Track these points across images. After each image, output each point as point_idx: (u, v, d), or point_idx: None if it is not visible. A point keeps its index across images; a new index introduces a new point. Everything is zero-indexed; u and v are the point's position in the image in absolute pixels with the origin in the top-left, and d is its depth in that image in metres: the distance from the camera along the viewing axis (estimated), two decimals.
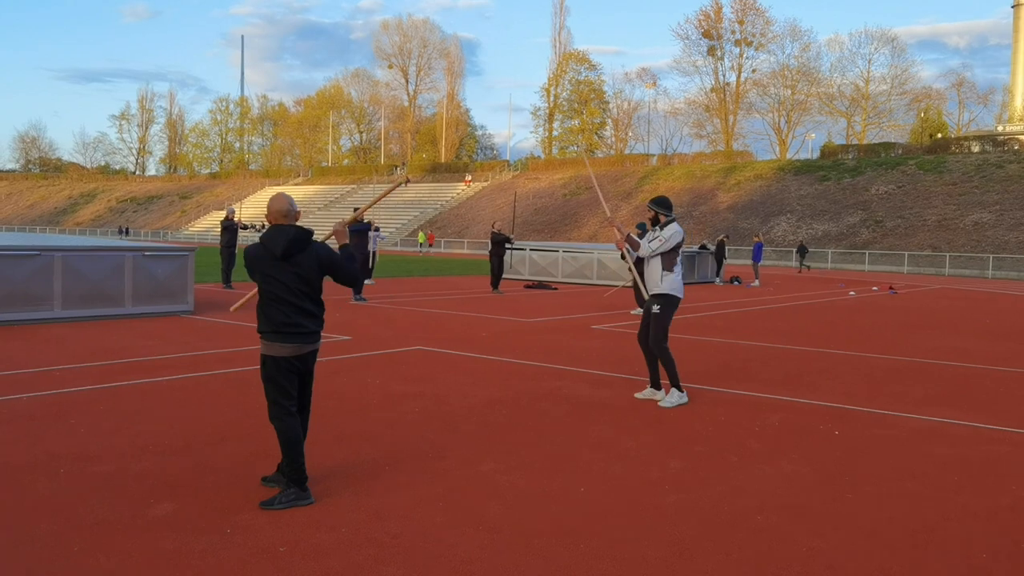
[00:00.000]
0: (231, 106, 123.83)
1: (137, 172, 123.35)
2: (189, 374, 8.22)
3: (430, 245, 60.90)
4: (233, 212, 20.30)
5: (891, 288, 26.88)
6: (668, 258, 7.63)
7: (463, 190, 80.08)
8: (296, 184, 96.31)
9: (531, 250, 26.81)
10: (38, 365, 8.49)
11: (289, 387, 4.52)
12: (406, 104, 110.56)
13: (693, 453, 5.78)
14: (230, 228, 19.28)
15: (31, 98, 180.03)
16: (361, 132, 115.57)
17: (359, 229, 17.78)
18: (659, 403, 7.41)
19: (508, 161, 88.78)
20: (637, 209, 66.11)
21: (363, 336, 11.49)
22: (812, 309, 18.76)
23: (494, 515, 4.36)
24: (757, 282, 27.28)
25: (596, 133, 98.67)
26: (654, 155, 79.74)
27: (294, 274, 4.55)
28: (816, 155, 70.02)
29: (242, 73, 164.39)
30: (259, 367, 4.61)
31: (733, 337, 12.68)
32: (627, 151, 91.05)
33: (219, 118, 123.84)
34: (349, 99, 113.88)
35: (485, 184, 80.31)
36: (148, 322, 12.22)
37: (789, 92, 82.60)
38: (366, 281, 20.68)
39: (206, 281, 20.52)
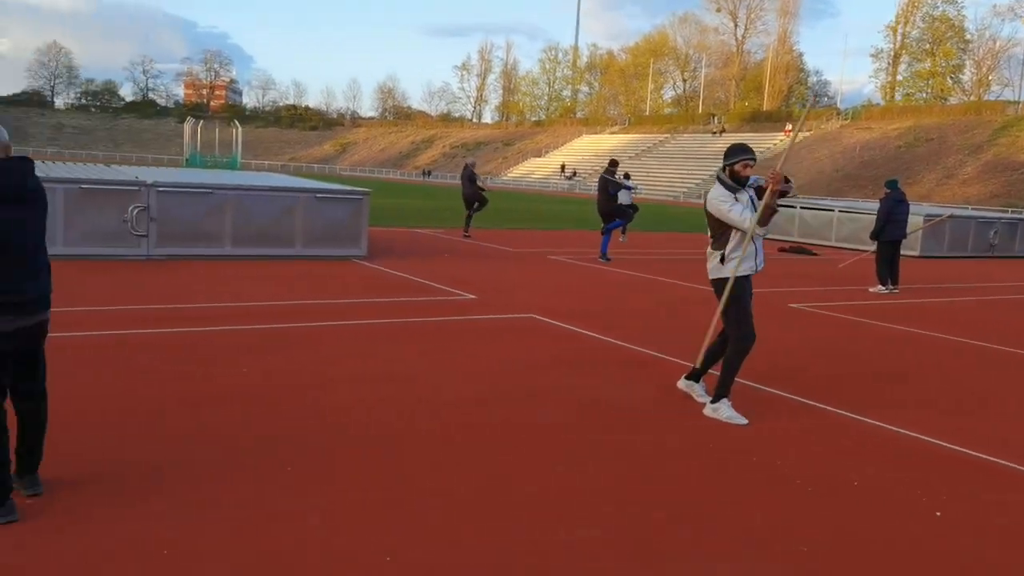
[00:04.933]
0: (560, 55, 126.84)
1: (473, 120, 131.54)
2: (265, 324, 7.65)
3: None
4: (474, 164, 20.09)
5: None
6: None
7: (781, 140, 74.26)
8: (612, 133, 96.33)
9: (801, 208, 23.48)
10: (119, 303, 8.47)
11: None
12: (733, 49, 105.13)
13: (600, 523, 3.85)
14: (472, 179, 18.97)
15: (392, 51, 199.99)
16: (684, 80, 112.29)
17: (614, 192, 15.81)
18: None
19: (838, 109, 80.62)
20: (986, 166, 56.60)
21: (492, 297, 10.29)
22: None
23: None
24: None
25: (950, 76, 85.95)
26: (1019, 103, 67.48)
27: (22, 220, 3.47)
28: None
29: (577, 22, 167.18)
30: None
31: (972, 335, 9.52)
32: (987, 97, 78.28)
33: (548, 67, 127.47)
34: (674, 46, 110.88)
35: (808, 134, 73.78)
36: (309, 264, 12.09)
37: None
38: (620, 239, 19.20)
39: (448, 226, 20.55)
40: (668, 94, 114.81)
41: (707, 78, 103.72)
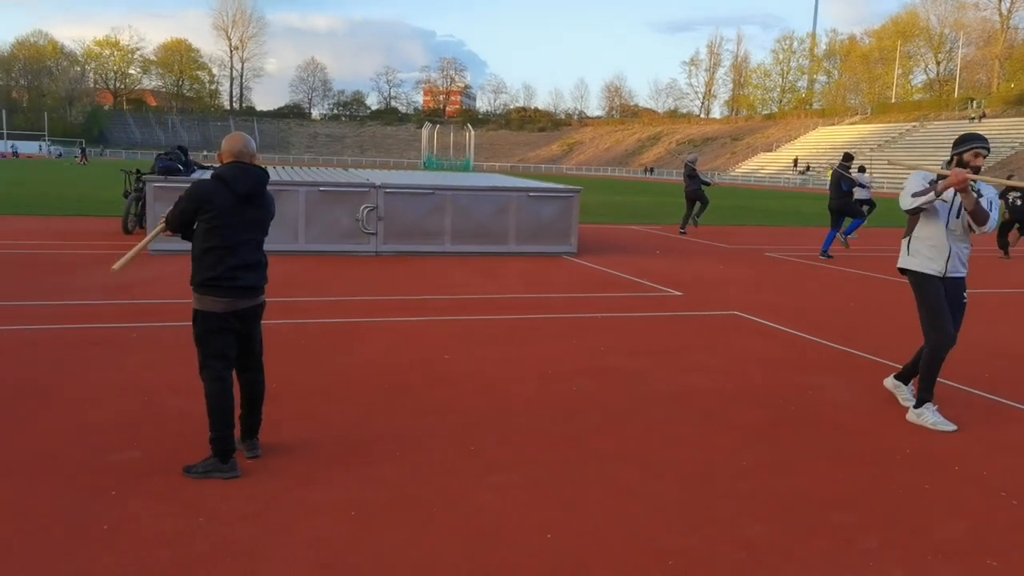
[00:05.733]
0: (795, 43, 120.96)
1: (701, 115, 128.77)
2: (408, 317, 8.16)
3: None
4: (695, 160, 19.79)
5: None
6: None
7: None
8: (851, 123, 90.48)
9: None
10: (344, 294, 9.29)
11: (222, 346, 4.01)
12: (997, 26, 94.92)
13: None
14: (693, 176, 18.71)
15: (620, 50, 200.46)
16: (938, 62, 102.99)
17: (848, 188, 14.68)
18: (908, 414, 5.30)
19: None
20: None
21: (698, 294, 10.16)
22: None
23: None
24: None
25: None
26: None
27: (251, 219, 4.02)
28: None
29: (815, 7, 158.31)
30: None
31: None
32: None
33: (781, 57, 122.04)
34: (926, 26, 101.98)
35: None
36: (522, 261, 12.56)
37: None
38: (849, 236, 18.17)
39: (663, 223, 20.46)
40: (918, 79, 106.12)
41: (965, 59, 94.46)
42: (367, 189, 12.57)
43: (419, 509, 3.70)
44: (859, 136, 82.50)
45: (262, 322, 4.28)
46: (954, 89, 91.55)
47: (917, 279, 5.24)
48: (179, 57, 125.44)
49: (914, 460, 4.57)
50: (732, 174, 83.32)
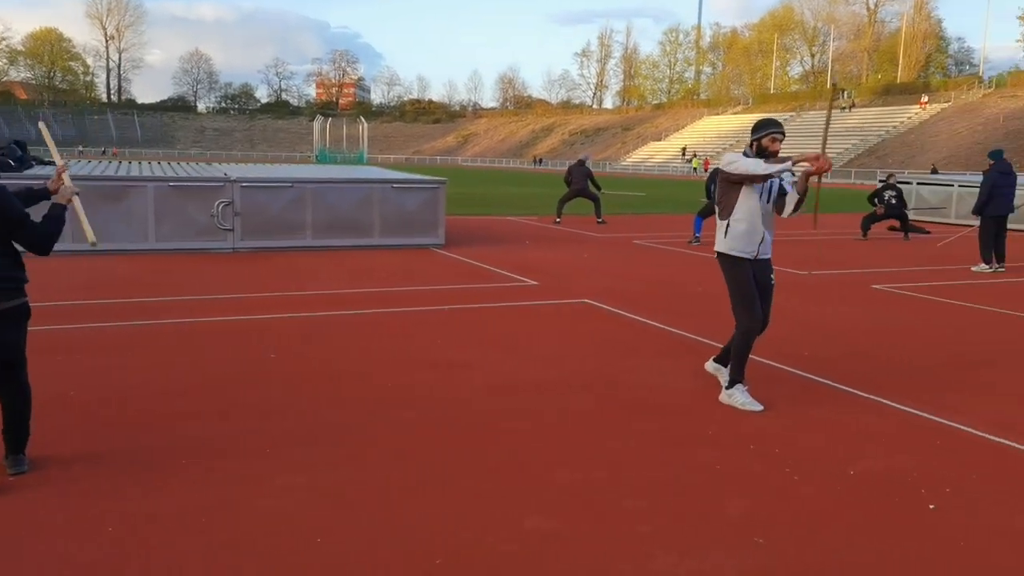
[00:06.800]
0: (681, 36, 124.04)
1: (593, 106, 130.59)
2: (290, 314, 7.91)
3: (705, 170, 56.32)
4: (588, 158, 20.12)
5: None
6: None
7: (916, 114, 70.06)
8: (735, 113, 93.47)
9: (918, 184, 22.04)
10: (215, 292, 8.92)
11: None
12: (865, 20, 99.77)
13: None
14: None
15: (514, 41, 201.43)
16: (812, 55, 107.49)
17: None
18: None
19: (980, 77, 75.13)
20: None
21: (553, 283, 10.20)
22: None
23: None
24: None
25: None
26: None
27: None
28: None
29: (700, 1, 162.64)
30: None
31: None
32: None
33: (668, 49, 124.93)
34: (801, 20, 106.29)
35: (946, 105, 69.28)
36: (386, 254, 12.35)
37: None
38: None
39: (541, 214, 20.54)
40: (795, 70, 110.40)
41: (837, 51, 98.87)
42: (222, 184, 12.11)
43: (187, 519, 3.51)
44: (742, 125, 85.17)
45: (37, 327, 3.98)
46: (827, 80, 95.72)
47: (730, 263, 5.34)
48: (49, 47, 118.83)
49: (715, 441, 4.66)
50: (623, 163, 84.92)
